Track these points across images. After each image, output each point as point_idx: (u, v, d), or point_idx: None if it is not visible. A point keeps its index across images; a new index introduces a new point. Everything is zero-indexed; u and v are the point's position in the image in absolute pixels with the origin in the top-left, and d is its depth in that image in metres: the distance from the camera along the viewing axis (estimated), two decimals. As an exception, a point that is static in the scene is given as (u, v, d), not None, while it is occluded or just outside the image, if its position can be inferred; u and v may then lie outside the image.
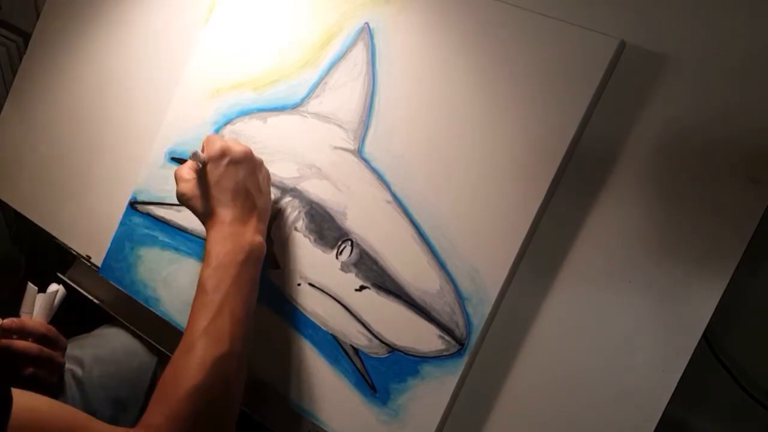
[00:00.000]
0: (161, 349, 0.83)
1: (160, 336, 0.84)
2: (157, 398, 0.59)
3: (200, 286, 0.63)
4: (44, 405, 0.56)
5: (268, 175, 0.71)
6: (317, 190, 0.71)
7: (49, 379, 0.76)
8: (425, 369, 0.64)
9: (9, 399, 0.51)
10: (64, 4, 0.94)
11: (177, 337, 0.79)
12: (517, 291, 0.62)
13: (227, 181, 0.66)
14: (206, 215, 0.66)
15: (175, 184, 0.68)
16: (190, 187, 0.67)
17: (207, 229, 0.66)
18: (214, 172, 0.66)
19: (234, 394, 0.61)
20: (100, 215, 0.86)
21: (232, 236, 0.64)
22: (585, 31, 0.59)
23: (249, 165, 0.68)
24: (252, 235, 0.65)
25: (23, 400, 0.52)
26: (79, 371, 0.82)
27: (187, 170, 0.68)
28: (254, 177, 0.68)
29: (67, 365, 0.81)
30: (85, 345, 0.85)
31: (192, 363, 0.59)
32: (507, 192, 0.62)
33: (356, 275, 0.68)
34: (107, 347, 0.86)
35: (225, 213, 0.65)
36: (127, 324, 0.86)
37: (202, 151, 0.68)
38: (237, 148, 0.67)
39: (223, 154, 0.66)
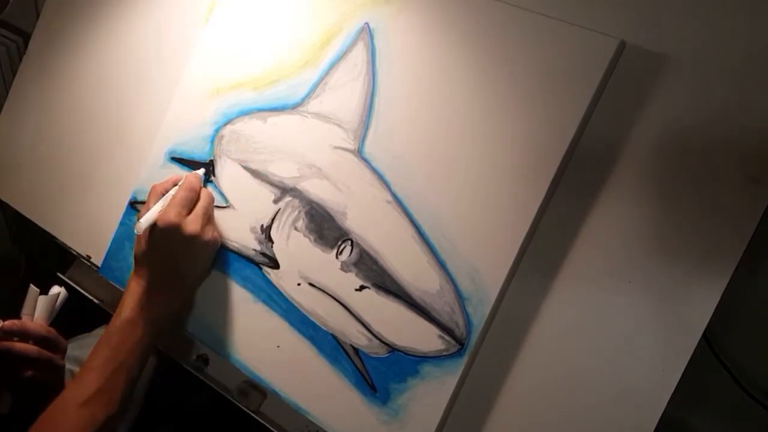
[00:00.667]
0: (160, 348, 0.83)
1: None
2: None
3: (106, 336, 0.66)
4: None
5: (214, 247, 0.72)
6: (317, 189, 0.71)
7: (49, 381, 0.76)
8: (425, 369, 0.64)
9: None
10: (64, 4, 0.94)
11: (176, 337, 0.79)
12: (517, 291, 0.62)
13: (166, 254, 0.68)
14: (136, 261, 0.69)
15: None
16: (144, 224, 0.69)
17: (130, 278, 0.69)
18: (157, 241, 0.68)
19: None
20: (100, 215, 0.86)
21: (149, 302, 0.67)
22: (585, 31, 0.59)
23: (194, 250, 0.69)
24: (165, 307, 0.68)
25: None
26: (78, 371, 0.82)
27: (152, 203, 0.70)
28: (189, 262, 0.70)
29: (67, 365, 0.81)
30: (84, 345, 0.85)
31: (83, 421, 0.63)
32: (507, 192, 0.62)
33: (356, 275, 0.68)
34: None
35: (152, 276, 0.68)
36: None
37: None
38: (189, 229, 0.68)
39: (173, 228, 0.67)
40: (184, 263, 0.70)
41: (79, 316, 0.88)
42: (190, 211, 0.69)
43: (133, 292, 0.68)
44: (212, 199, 0.73)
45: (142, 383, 0.86)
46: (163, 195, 0.71)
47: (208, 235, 0.70)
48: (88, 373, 0.65)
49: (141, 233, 0.67)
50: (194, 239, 0.68)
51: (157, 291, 0.68)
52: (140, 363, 0.68)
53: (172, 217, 0.67)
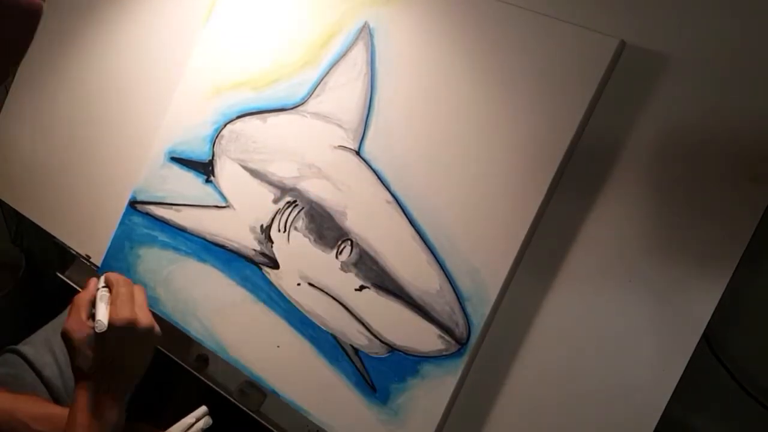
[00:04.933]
0: (162, 349, 0.83)
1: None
2: None
3: None
4: None
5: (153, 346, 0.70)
6: (317, 189, 0.71)
7: None
8: (425, 369, 0.64)
9: None
10: (64, 4, 0.94)
11: (176, 337, 0.79)
12: (517, 291, 0.62)
13: (121, 355, 0.66)
14: (82, 372, 0.66)
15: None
16: (82, 332, 0.66)
17: (76, 392, 0.66)
18: (111, 341, 0.65)
19: None
20: (100, 215, 0.86)
21: (103, 408, 0.65)
22: (585, 31, 0.59)
23: (147, 343, 0.68)
24: (118, 408, 0.66)
25: None
26: (55, 367, 0.83)
27: (84, 311, 0.68)
28: (141, 356, 0.68)
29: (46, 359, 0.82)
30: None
31: None
32: (507, 192, 0.61)
33: (356, 275, 0.68)
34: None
35: (104, 380, 0.65)
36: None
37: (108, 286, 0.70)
38: (144, 323, 0.67)
39: (130, 325, 0.66)
40: (140, 357, 0.68)
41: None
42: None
43: (82, 405, 0.64)
44: (140, 289, 0.72)
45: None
46: (91, 301, 0.69)
47: (156, 326, 0.69)
48: None
49: (104, 330, 0.65)
50: (150, 332, 0.67)
51: (111, 394, 0.65)
52: None
53: (127, 313, 0.66)
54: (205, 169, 0.77)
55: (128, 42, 0.87)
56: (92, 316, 0.68)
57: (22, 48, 0.39)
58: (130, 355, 0.67)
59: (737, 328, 0.71)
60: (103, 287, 0.70)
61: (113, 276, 0.71)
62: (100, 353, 0.66)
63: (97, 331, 0.64)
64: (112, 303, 0.67)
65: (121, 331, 0.65)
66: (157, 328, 0.68)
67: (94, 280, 0.72)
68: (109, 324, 0.65)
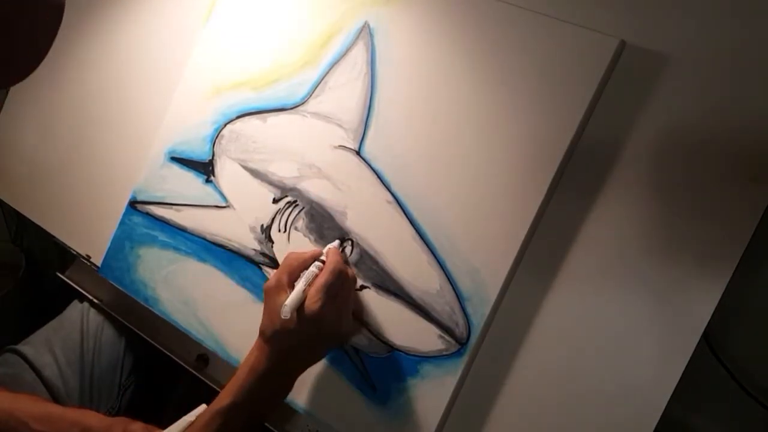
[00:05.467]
0: (162, 349, 0.83)
1: (160, 335, 0.84)
2: None
3: (218, 415, 0.62)
4: None
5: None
6: (317, 189, 0.71)
7: None
8: (425, 369, 0.64)
9: None
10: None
11: (176, 337, 0.79)
12: (517, 291, 0.62)
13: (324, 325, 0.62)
14: (262, 334, 0.63)
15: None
16: (274, 298, 0.62)
17: (254, 352, 0.63)
18: (294, 324, 0.61)
19: None
20: (100, 215, 0.86)
21: (265, 385, 0.62)
22: (585, 30, 0.59)
23: (329, 343, 0.65)
24: (273, 397, 0.63)
25: None
26: (55, 367, 0.83)
27: (288, 275, 0.64)
28: (317, 351, 0.65)
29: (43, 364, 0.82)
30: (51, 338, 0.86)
31: None
32: (507, 192, 0.62)
33: (356, 275, 0.68)
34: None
35: (278, 359, 0.62)
36: (127, 323, 0.86)
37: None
38: (332, 326, 0.63)
39: (317, 323, 0.61)
40: (315, 352, 0.65)
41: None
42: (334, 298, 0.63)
43: (253, 369, 0.62)
44: (355, 283, 0.67)
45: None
46: (302, 270, 0.64)
47: (348, 328, 0.66)
48: None
49: (288, 317, 0.60)
50: (335, 336, 0.64)
51: (276, 375, 0.62)
52: None
53: (317, 308, 0.60)
54: (205, 169, 0.77)
55: (128, 42, 0.87)
56: (292, 285, 0.63)
57: (44, 46, 0.40)
58: (306, 346, 0.63)
59: (737, 328, 0.71)
60: (320, 261, 0.65)
61: (335, 257, 0.65)
62: (288, 333, 0.61)
63: (281, 315, 0.60)
64: (313, 287, 0.62)
65: (309, 323, 0.61)
66: (346, 331, 0.65)
67: (315, 251, 0.67)
68: (300, 309, 0.61)
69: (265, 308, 0.64)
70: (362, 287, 0.68)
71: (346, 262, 0.67)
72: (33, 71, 0.41)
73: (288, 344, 0.61)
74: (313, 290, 0.61)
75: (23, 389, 0.78)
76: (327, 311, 0.61)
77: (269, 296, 0.63)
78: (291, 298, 0.60)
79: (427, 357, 0.64)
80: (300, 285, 0.62)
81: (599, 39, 0.58)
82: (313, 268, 0.64)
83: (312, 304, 0.61)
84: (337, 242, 0.68)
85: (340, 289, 0.63)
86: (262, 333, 0.63)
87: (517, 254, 0.61)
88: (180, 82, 0.80)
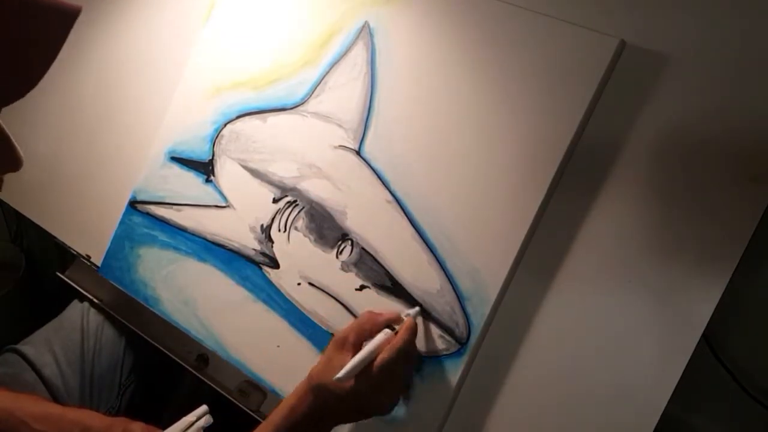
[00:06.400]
0: (162, 349, 0.83)
1: (160, 335, 0.84)
2: None
3: None
4: None
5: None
6: (317, 189, 0.71)
7: None
8: (425, 368, 0.64)
9: None
10: (64, 4, 0.94)
11: (176, 337, 0.79)
12: (517, 291, 0.62)
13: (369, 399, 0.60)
14: (310, 379, 0.62)
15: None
16: (334, 354, 0.61)
17: (303, 390, 0.61)
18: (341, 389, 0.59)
19: None
20: (100, 215, 0.86)
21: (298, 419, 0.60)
22: (585, 30, 0.59)
23: (367, 413, 0.62)
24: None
25: None
26: (55, 366, 0.83)
27: (355, 335, 0.61)
28: (351, 417, 0.63)
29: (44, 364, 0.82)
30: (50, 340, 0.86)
31: None
32: (507, 192, 0.62)
33: (356, 275, 0.68)
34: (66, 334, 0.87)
35: (321, 407, 0.60)
36: (127, 323, 0.86)
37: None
38: (376, 407, 0.61)
39: (363, 398, 0.59)
40: (350, 419, 0.63)
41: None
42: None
43: (293, 410, 0.61)
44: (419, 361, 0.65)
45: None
46: (371, 333, 0.62)
47: (393, 402, 0.62)
48: None
49: (339, 382, 0.58)
50: (379, 410, 0.62)
51: (311, 422, 0.61)
52: None
53: (371, 385, 0.59)
54: (205, 168, 0.77)
55: (128, 42, 0.87)
56: (359, 346, 0.61)
57: (53, 53, 0.39)
58: (348, 411, 0.61)
59: (737, 328, 0.71)
60: (392, 328, 0.62)
61: (405, 334, 0.61)
62: (330, 385, 0.60)
63: (334, 377, 0.58)
64: (376, 361, 0.59)
65: (353, 395, 0.59)
66: (391, 404, 0.62)
67: (394, 314, 0.64)
68: (367, 368, 0.59)
69: (324, 355, 0.62)
70: (362, 287, 0.68)
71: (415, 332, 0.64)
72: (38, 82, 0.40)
73: (332, 402, 0.60)
74: (374, 365, 0.59)
75: (23, 389, 0.78)
76: (379, 388, 0.59)
77: (333, 348, 0.62)
78: (349, 367, 0.58)
79: (427, 357, 0.64)
80: (362, 354, 0.59)
81: (599, 39, 0.58)
82: (381, 335, 0.61)
83: (368, 379, 0.59)
84: (416, 309, 0.64)
85: (402, 368, 0.61)
86: (310, 378, 0.62)
87: (517, 254, 0.61)
88: (180, 82, 0.80)
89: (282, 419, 0.61)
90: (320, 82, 0.72)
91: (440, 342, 0.63)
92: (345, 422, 0.64)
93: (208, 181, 0.77)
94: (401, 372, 0.61)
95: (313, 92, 0.72)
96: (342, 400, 0.59)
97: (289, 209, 0.72)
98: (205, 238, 0.76)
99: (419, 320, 0.64)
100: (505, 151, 0.62)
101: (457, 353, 0.63)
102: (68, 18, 0.37)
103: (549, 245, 0.61)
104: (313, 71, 0.72)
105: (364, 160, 0.68)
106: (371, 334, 0.62)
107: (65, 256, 0.92)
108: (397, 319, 0.63)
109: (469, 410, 0.64)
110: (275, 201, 0.73)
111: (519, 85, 0.62)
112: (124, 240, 0.81)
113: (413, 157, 0.66)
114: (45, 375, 0.82)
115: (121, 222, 0.81)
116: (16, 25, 0.34)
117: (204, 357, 0.81)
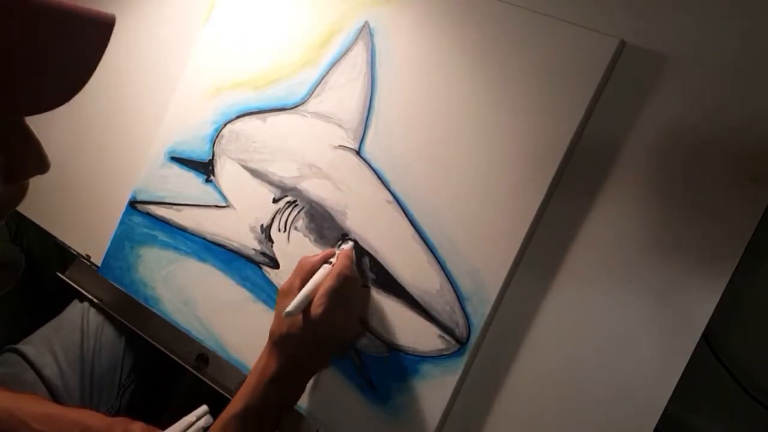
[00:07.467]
0: (162, 349, 0.83)
1: (160, 335, 0.84)
2: None
3: (233, 419, 0.61)
4: None
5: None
6: (317, 189, 0.71)
7: None
8: (425, 368, 0.64)
9: None
10: (64, 4, 0.94)
11: (176, 336, 0.79)
12: (517, 290, 0.62)
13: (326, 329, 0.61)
14: (271, 336, 0.63)
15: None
16: (284, 299, 0.62)
17: (264, 357, 0.62)
18: (297, 325, 0.61)
19: None
20: (100, 215, 0.86)
21: (281, 396, 0.62)
22: (585, 30, 0.59)
23: (332, 347, 0.64)
24: (280, 400, 0.62)
25: None
26: (55, 366, 0.83)
27: (300, 278, 0.63)
28: (321, 358, 0.65)
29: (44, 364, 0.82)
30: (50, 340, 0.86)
31: None
32: (507, 191, 0.62)
33: (356, 275, 0.68)
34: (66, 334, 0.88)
35: (286, 363, 0.61)
36: (127, 323, 0.86)
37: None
38: (331, 330, 0.62)
39: (317, 325, 0.60)
40: (318, 360, 0.65)
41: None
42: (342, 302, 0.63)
43: (263, 373, 0.62)
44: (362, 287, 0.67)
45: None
46: (312, 272, 0.64)
47: (353, 333, 0.65)
48: None
49: (290, 317, 0.60)
50: (340, 340, 0.64)
51: (285, 379, 0.62)
52: None
53: (321, 312, 0.60)
54: (205, 168, 0.77)
55: (128, 42, 0.87)
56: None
57: (92, 66, 0.40)
58: (311, 350, 0.62)
59: (737, 328, 0.71)
60: (330, 263, 0.65)
61: (342, 261, 0.64)
62: (292, 338, 0.61)
63: (283, 315, 0.60)
64: (319, 291, 0.61)
65: (308, 328, 0.61)
66: (351, 333, 0.64)
67: (328, 252, 0.67)
68: (305, 311, 0.60)
69: (275, 312, 0.64)
70: (363, 287, 0.68)
71: (358, 263, 0.67)
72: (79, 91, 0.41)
73: (294, 348, 0.61)
74: (318, 294, 0.61)
75: (24, 389, 0.78)
76: (331, 315, 0.61)
77: (280, 300, 0.63)
78: (294, 302, 0.60)
79: (427, 357, 0.64)
80: (306, 288, 0.62)
81: (599, 39, 0.58)
82: (321, 271, 0.63)
83: (316, 308, 0.61)
84: (350, 244, 0.67)
85: (348, 293, 0.63)
86: (270, 336, 0.63)
87: (517, 254, 0.61)
88: (180, 82, 0.80)
89: (257, 383, 0.62)
90: (320, 82, 0.72)
91: (440, 342, 0.63)
92: (319, 366, 0.66)
93: (208, 181, 0.77)
94: (349, 297, 0.64)
95: (313, 92, 0.72)
96: (302, 341, 0.61)
97: (289, 209, 0.72)
98: (205, 238, 0.76)
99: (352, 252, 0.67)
100: (505, 151, 0.62)
101: (457, 353, 0.63)
102: (106, 27, 0.38)
103: (549, 245, 0.61)
104: (313, 71, 0.72)
105: (364, 160, 0.68)
106: (312, 275, 0.64)
107: (65, 256, 0.92)
108: (333, 254, 0.66)
109: (469, 410, 0.64)
110: (275, 201, 0.73)
111: (519, 85, 0.62)
112: (124, 240, 0.81)
113: (413, 157, 0.66)
114: (45, 375, 0.82)
115: (121, 222, 0.81)
116: (55, 39, 0.36)
117: (204, 357, 0.81)
